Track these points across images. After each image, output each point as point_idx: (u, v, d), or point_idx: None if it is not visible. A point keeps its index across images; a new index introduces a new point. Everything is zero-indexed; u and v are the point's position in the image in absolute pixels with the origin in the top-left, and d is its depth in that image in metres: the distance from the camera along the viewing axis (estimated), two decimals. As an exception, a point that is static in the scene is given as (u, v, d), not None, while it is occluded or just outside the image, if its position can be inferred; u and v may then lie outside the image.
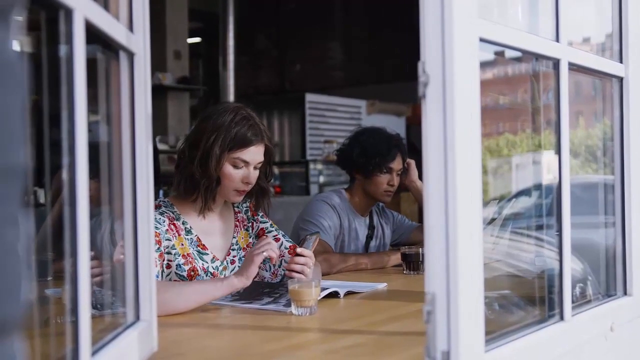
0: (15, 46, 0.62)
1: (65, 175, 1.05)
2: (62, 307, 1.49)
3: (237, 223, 2.47)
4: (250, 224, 2.51)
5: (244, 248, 2.45)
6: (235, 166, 2.27)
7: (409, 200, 6.66)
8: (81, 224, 1.05)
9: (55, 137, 1.08)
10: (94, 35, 1.15)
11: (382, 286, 2.47)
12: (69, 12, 1.04)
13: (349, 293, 2.30)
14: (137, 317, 1.44)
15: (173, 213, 2.31)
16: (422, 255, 2.77)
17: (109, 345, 1.24)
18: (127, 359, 1.32)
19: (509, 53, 1.62)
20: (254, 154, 2.29)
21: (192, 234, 2.32)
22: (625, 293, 1.90)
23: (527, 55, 1.67)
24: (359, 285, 2.42)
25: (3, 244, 0.58)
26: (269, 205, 2.47)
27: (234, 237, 2.44)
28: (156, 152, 3.36)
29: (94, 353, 1.13)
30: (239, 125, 2.25)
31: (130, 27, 1.41)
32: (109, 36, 1.25)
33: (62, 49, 1.06)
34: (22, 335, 0.62)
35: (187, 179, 2.29)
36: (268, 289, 2.26)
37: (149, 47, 1.48)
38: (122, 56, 1.40)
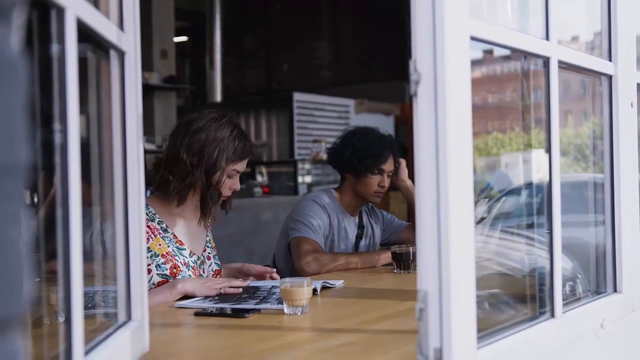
0: (16, 44, 0.62)
1: (57, 175, 1.05)
2: (50, 308, 1.49)
3: (208, 224, 2.62)
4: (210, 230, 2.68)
5: (214, 247, 2.62)
6: (229, 176, 2.43)
7: (397, 200, 6.68)
8: (73, 223, 1.05)
9: (44, 137, 1.07)
10: (84, 33, 1.15)
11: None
12: (60, 11, 1.03)
13: (324, 287, 2.36)
14: (129, 317, 1.43)
15: (147, 214, 2.37)
16: (413, 254, 2.78)
17: (101, 344, 1.24)
18: (119, 358, 1.31)
19: (498, 51, 1.62)
20: (245, 164, 2.49)
21: (168, 232, 2.42)
22: (615, 290, 1.91)
23: (516, 54, 1.68)
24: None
25: (6, 242, 0.58)
26: (231, 203, 2.59)
27: (207, 236, 2.59)
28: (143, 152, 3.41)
29: (86, 353, 1.13)
30: (237, 139, 2.42)
31: (121, 26, 1.41)
32: (100, 35, 1.25)
33: (54, 48, 1.05)
34: (23, 332, 0.62)
35: (188, 187, 2.39)
36: (248, 293, 2.25)
37: (139, 45, 1.47)
38: (113, 55, 1.39)
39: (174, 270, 2.35)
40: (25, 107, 0.61)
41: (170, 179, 2.38)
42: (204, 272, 2.49)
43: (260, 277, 2.56)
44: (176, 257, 2.38)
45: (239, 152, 2.42)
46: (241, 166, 2.45)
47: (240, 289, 2.25)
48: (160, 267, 2.33)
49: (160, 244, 2.36)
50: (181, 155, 2.36)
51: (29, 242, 0.63)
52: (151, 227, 2.37)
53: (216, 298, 2.17)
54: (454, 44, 1.23)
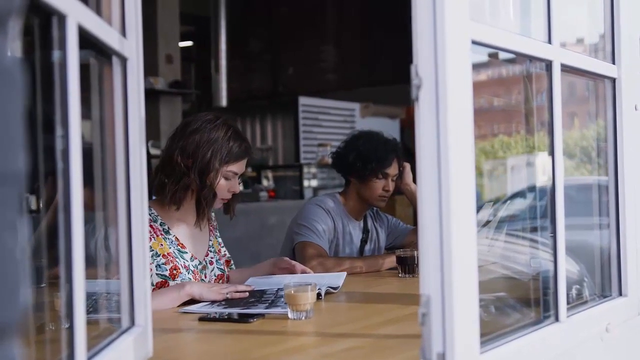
0: (13, 52, 0.62)
1: (59, 181, 1.05)
2: (54, 314, 1.49)
3: (211, 228, 2.62)
4: (217, 232, 2.67)
5: (217, 251, 2.60)
6: (226, 178, 2.43)
7: (403, 204, 6.67)
8: (75, 229, 1.05)
9: (48, 143, 1.08)
10: (86, 40, 1.15)
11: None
12: (62, 18, 1.03)
13: (328, 293, 2.35)
14: (132, 323, 1.43)
15: (150, 215, 2.38)
16: (417, 258, 2.77)
17: (104, 350, 1.24)
18: (123, 364, 1.32)
19: (503, 54, 1.62)
20: (243, 166, 2.48)
21: (170, 234, 2.42)
22: (620, 294, 1.90)
23: (521, 57, 1.67)
24: (328, 276, 2.51)
25: (2, 250, 0.58)
26: (234, 207, 2.59)
27: (210, 240, 2.58)
28: (148, 157, 3.43)
29: (89, 358, 1.13)
30: (231, 140, 2.41)
31: (123, 32, 1.41)
32: (102, 41, 1.25)
33: (55, 55, 1.06)
34: (21, 339, 0.63)
35: (183, 189, 2.39)
36: (255, 297, 2.25)
37: (141, 52, 1.47)
38: (115, 61, 1.39)
39: (174, 272, 2.35)
40: (23, 115, 0.62)
41: (165, 181, 2.38)
42: (205, 277, 2.48)
43: (291, 271, 2.58)
44: (177, 259, 2.38)
45: (234, 153, 2.41)
46: (237, 168, 2.44)
47: (247, 294, 2.25)
48: (160, 267, 2.34)
49: (162, 244, 2.37)
50: (175, 157, 2.37)
51: (28, 249, 0.63)
52: (154, 227, 2.38)
53: (223, 303, 2.17)
54: (455, 48, 1.23)
